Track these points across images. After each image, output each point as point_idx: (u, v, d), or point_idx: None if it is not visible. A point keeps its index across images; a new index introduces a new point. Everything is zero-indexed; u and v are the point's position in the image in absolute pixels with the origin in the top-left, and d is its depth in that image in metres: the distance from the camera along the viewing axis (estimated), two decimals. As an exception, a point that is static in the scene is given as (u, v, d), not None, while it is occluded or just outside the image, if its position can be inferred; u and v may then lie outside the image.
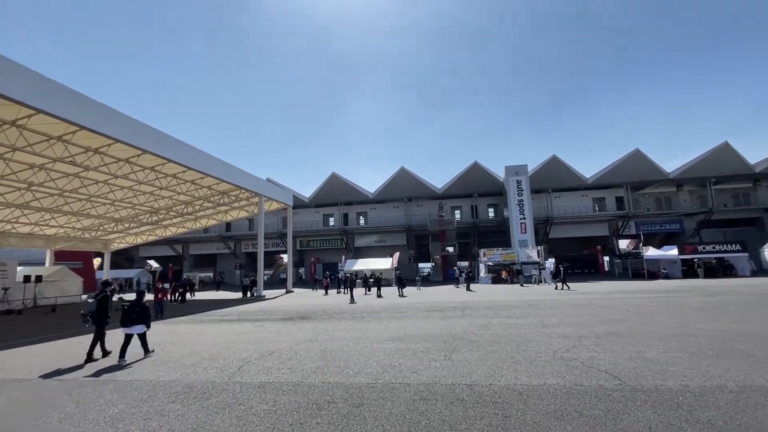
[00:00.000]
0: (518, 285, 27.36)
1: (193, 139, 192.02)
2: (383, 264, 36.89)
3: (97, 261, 43.97)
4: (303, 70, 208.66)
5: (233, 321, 12.93)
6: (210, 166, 22.04)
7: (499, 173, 43.62)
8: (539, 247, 34.00)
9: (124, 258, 58.43)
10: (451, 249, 42.34)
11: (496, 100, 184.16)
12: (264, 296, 24.77)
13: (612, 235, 42.58)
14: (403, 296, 21.46)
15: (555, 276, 23.16)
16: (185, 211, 27.75)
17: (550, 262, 33.01)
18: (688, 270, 30.36)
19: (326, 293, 27.10)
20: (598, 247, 45.22)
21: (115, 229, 29.20)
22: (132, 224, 28.65)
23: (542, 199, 43.60)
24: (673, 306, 12.57)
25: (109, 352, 7.73)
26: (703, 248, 30.73)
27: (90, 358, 7.39)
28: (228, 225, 51.49)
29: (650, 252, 32.60)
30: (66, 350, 8.81)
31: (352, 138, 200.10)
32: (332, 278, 31.54)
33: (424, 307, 14.82)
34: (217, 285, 47.58)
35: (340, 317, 12.78)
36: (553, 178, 42.47)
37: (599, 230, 45.03)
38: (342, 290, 28.20)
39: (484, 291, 23.02)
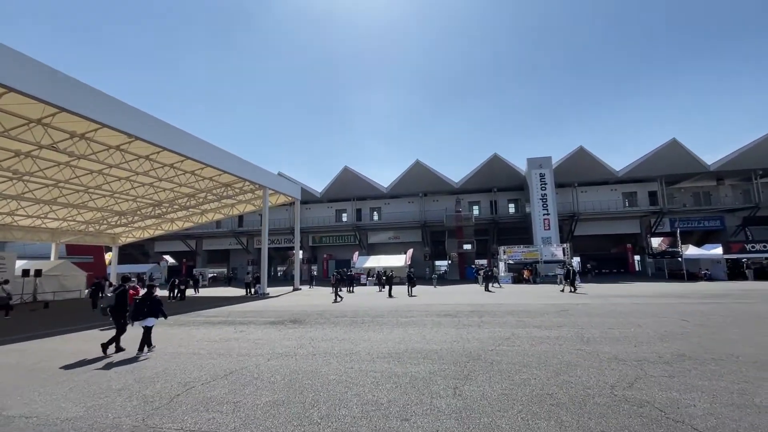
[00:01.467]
0: (538, 284, 24.97)
1: (206, 135, 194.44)
2: (396, 261, 35.04)
3: (108, 255, 43.94)
4: (315, 66, 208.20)
5: (217, 324, 11.37)
6: (209, 156, 20.69)
7: (521, 166, 41.03)
8: (564, 245, 31.41)
9: (140, 253, 58.79)
10: (468, 246, 40.10)
11: (518, 95, 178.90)
12: (267, 294, 23.37)
13: (646, 232, 39.34)
14: (412, 296, 19.83)
15: (566, 277, 20.79)
16: (188, 204, 26.63)
17: (576, 261, 30.38)
18: (733, 271, 27.26)
19: (340, 292, 25.45)
20: (629, 245, 42.10)
21: (119, 223, 28.40)
22: (135, 217, 27.75)
23: (567, 193, 40.72)
24: (741, 315, 10.26)
25: (123, 350, 7.71)
26: (752, 247, 27.54)
27: (119, 348, 7.68)
28: (240, 220, 50.81)
29: (690, 251, 29.58)
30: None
31: (365, 133, 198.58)
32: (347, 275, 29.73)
33: (436, 311, 12.93)
34: (229, 281, 46.89)
35: (337, 322, 11.05)
36: (580, 171, 39.56)
37: (630, 227, 41.80)
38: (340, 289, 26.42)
39: (505, 292, 20.90)
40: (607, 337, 7.74)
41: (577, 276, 27.82)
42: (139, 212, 26.89)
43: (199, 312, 14.87)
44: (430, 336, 8.36)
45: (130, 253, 57.99)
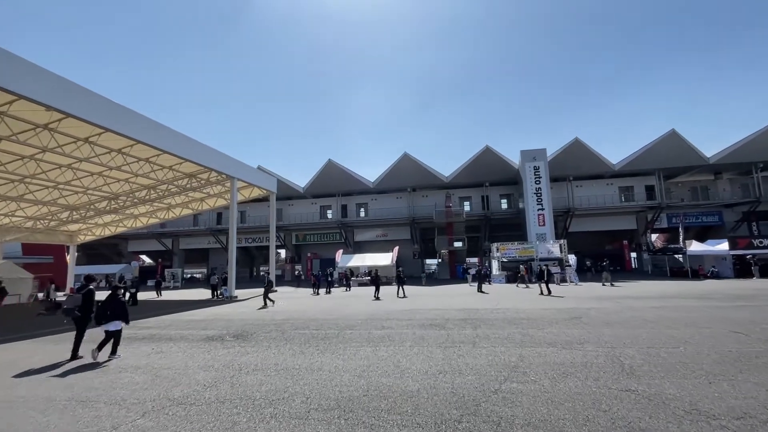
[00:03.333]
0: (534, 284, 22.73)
1: (192, 134, 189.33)
2: (382, 260, 32.66)
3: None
4: (300, 62, 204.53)
5: (137, 341, 8.84)
6: (165, 141, 18.01)
7: (514, 159, 38.99)
8: (561, 241, 29.41)
9: (114, 253, 55.56)
10: (459, 244, 37.96)
11: (510, 88, 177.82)
12: (235, 297, 20.76)
13: (647, 227, 37.62)
14: (403, 297, 17.87)
15: (539, 278, 18.62)
16: (149, 197, 23.83)
17: (573, 259, 28.37)
18: (743, 268, 25.52)
19: (315, 293, 23.05)
20: (625, 241, 40.42)
21: (70, 218, 25.41)
22: (89, 212, 24.82)
23: (562, 188, 38.82)
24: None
25: (80, 357, 7.13)
26: (760, 242, 25.84)
27: (75, 355, 7.11)
28: (219, 217, 48.04)
29: (694, 246, 27.79)
30: None
31: (352, 130, 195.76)
32: (331, 276, 26.64)
33: (420, 319, 10.59)
34: (208, 281, 44.05)
35: (292, 336, 8.62)
36: (575, 165, 37.62)
37: (626, 223, 40.15)
38: (317, 290, 23.75)
39: (499, 294, 18.66)
40: (655, 363, 5.47)
41: (575, 274, 26.09)
42: (92, 206, 23.99)
43: (136, 321, 12.25)
44: (407, 362, 5.99)
45: (102, 253, 54.72)
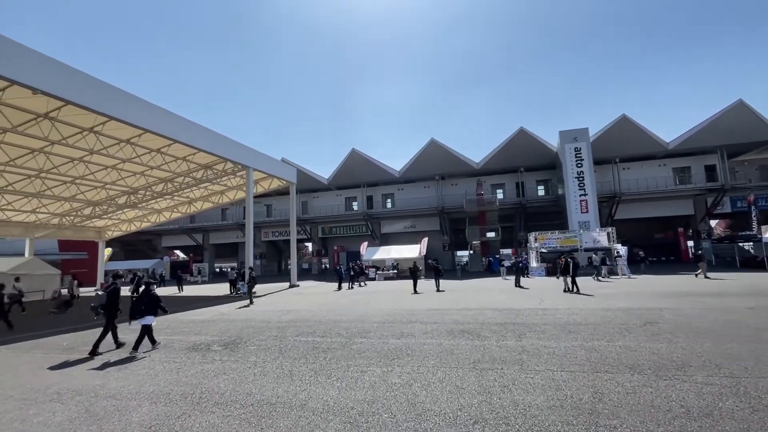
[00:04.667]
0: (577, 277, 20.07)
1: (218, 130, 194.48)
2: (409, 252, 30.81)
3: (108, 251, 41.67)
4: (324, 57, 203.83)
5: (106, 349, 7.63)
6: (174, 129, 17.01)
7: (552, 142, 35.77)
8: (609, 229, 26.35)
9: (150, 248, 57.19)
10: (492, 234, 35.42)
11: (548, 69, 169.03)
12: (253, 293, 19.72)
13: (707, 212, 33.48)
14: (440, 290, 16.65)
15: (564, 272, 15.32)
16: (166, 190, 23.21)
17: (623, 249, 25.15)
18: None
19: (339, 288, 21.66)
20: (680, 229, 36.30)
21: (93, 214, 25.33)
22: (111, 207, 24.59)
23: (606, 171, 35.20)
24: None
25: (123, 344, 7.55)
26: None
27: (95, 351, 7.08)
28: (245, 212, 47.89)
29: (772, 233, 23.99)
30: None
31: (377, 123, 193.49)
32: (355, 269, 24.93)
33: (449, 322, 8.72)
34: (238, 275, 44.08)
35: (290, 347, 7.04)
36: (622, 145, 33.83)
37: (681, 208, 35.89)
38: (353, 283, 22.69)
39: (542, 288, 16.36)
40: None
41: (626, 266, 23.05)
42: (112, 201, 23.72)
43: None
44: (427, 396, 4.19)
45: (140, 249, 56.50)
